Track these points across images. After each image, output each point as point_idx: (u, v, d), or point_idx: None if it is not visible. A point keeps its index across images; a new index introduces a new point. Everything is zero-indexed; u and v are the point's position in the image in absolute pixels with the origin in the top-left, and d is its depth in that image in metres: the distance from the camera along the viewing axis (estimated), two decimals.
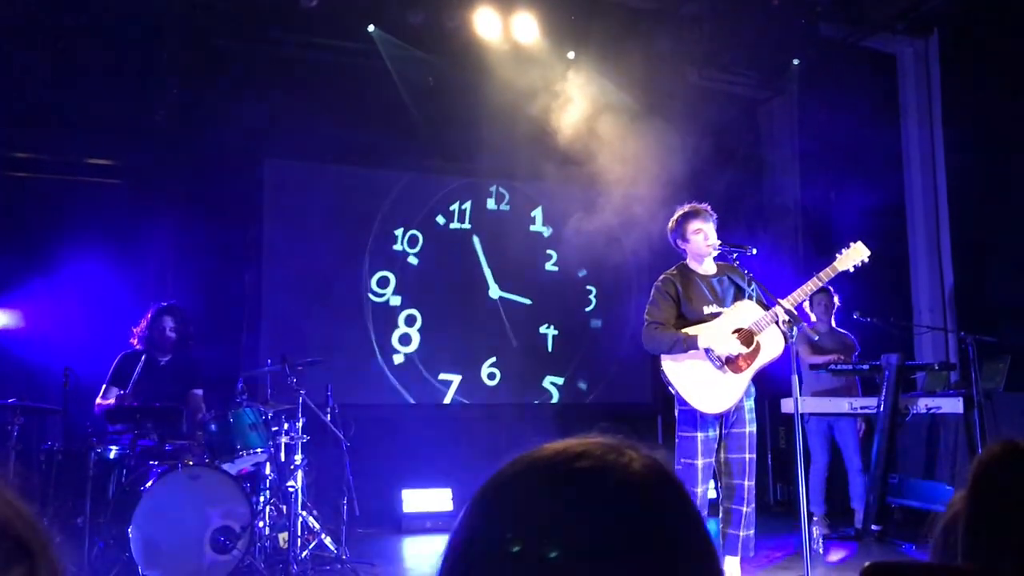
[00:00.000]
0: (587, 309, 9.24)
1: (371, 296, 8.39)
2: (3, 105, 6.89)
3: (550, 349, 9.08)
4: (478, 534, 0.77)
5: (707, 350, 4.49)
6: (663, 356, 4.61)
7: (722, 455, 4.56)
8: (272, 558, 5.53)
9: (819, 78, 8.94)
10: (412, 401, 8.39)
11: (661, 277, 4.79)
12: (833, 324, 7.05)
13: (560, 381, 9.05)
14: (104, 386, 5.79)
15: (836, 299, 6.98)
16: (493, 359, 8.80)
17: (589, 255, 8.78)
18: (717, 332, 4.52)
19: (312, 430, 5.96)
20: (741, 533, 4.53)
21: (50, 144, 7.32)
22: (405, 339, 8.49)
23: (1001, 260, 8.18)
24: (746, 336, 4.52)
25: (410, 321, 8.52)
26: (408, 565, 6.34)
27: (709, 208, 4.77)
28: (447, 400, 8.51)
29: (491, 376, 8.78)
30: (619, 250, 8.87)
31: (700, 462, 4.49)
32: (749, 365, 4.50)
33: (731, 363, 4.49)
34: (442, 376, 8.56)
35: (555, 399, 8.96)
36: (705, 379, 4.51)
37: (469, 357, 8.72)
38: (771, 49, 8.90)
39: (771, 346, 4.55)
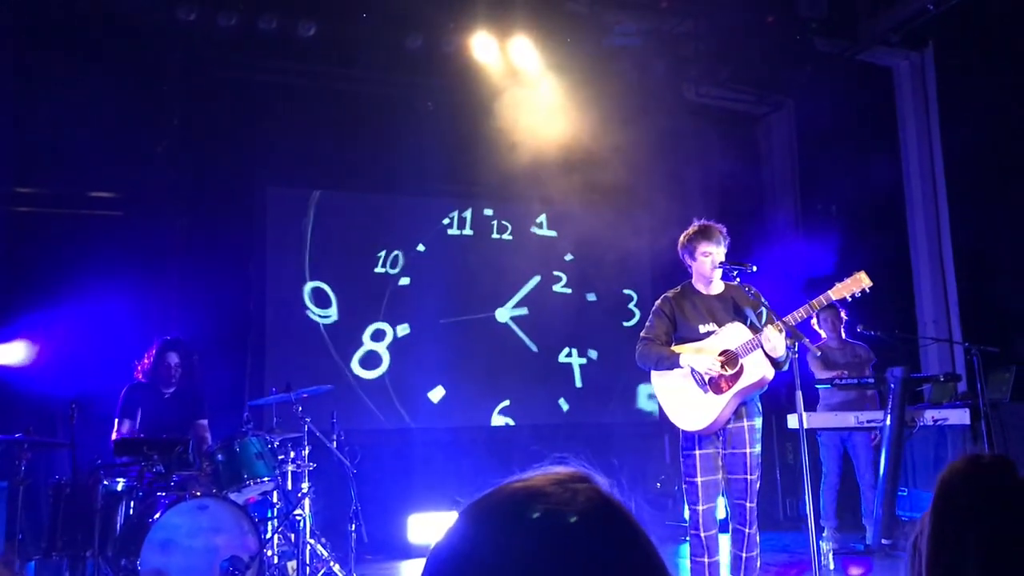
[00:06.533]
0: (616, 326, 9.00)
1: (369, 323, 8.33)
2: (4, 141, 6.93)
3: (579, 384, 8.88)
4: (459, 555, 0.87)
5: (691, 369, 4.53)
6: (652, 372, 4.70)
7: (724, 474, 4.57)
8: None
9: (816, 93, 8.97)
10: (414, 425, 8.27)
11: (661, 296, 4.82)
12: (843, 336, 7.03)
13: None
14: (116, 420, 5.81)
15: (843, 313, 6.95)
16: (507, 402, 8.56)
17: (593, 274, 8.79)
18: (702, 352, 4.55)
19: (318, 457, 5.96)
20: (744, 554, 4.53)
21: (51, 178, 7.35)
22: (425, 380, 8.34)
23: (1004, 270, 8.16)
24: (730, 358, 4.54)
25: (387, 347, 8.38)
26: None
27: (724, 230, 4.73)
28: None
29: (506, 428, 8.51)
30: (619, 269, 8.79)
31: (700, 480, 4.53)
32: (730, 387, 4.51)
33: (713, 384, 4.52)
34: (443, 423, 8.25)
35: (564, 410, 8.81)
36: (686, 397, 4.57)
37: (476, 400, 8.43)
38: (767, 65, 8.95)
39: (755, 370, 4.52)
